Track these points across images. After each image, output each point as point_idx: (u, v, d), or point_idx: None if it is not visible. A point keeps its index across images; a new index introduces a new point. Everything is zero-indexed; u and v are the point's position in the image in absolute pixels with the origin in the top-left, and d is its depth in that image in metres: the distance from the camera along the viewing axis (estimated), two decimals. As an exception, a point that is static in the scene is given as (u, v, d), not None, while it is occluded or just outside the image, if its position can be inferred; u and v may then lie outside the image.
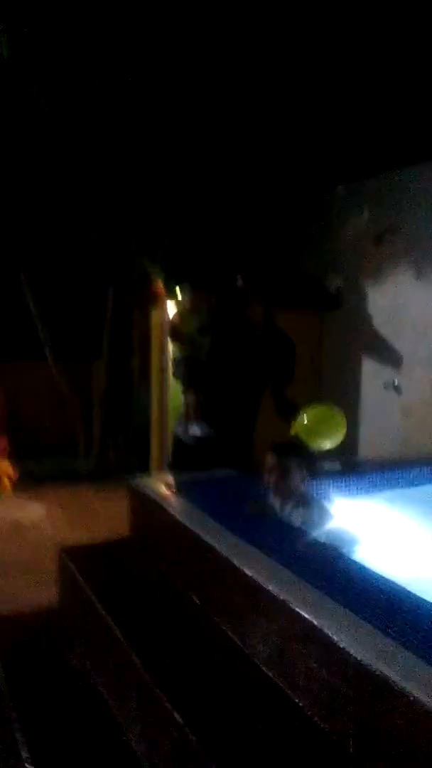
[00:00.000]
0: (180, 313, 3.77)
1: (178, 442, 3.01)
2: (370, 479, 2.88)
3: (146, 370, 5.49)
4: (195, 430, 2.84)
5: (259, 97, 3.79)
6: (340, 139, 3.86)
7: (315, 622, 1.44)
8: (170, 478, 2.63)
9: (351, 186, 4.27)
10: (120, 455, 5.28)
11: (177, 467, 2.95)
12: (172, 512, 2.28)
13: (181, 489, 2.52)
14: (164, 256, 4.38)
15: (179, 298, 4.24)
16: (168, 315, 5.13)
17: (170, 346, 5.46)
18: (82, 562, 2.37)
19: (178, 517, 2.23)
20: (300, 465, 2.31)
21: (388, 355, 3.99)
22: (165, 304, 5.10)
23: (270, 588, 1.62)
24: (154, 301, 5.16)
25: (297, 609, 1.51)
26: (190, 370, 2.89)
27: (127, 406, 5.53)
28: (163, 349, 5.47)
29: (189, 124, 3.92)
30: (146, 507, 2.46)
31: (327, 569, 1.78)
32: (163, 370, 5.48)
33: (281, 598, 1.57)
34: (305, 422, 2.64)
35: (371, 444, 4.11)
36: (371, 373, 4.11)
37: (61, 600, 2.46)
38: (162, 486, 2.51)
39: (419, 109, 3.48)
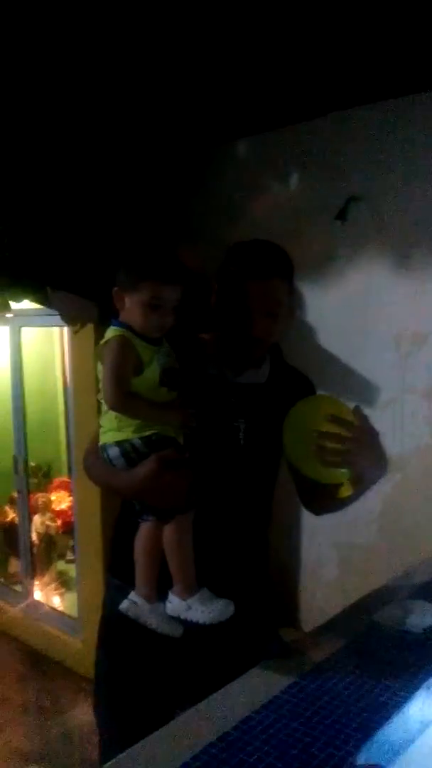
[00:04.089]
0: (119, 345, 1.18)
1: (125, 637, 1.33)
2: None
3: None
4: (195, 611, 1.19)
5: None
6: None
7: None
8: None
9: (259, 138, 2.94)
10: None
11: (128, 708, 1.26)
12: None
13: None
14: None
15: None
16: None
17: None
18: None
19: None
20: None
21: (350, 384, 2.69)
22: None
23: None
24: None
25: None
26: (160, 474, 1.17)
27: None
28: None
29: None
30: None
31: None
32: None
33: None
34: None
35: (332, 532, 2.76)
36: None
37: None
38: None
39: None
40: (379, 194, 2.57)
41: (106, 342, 1.20)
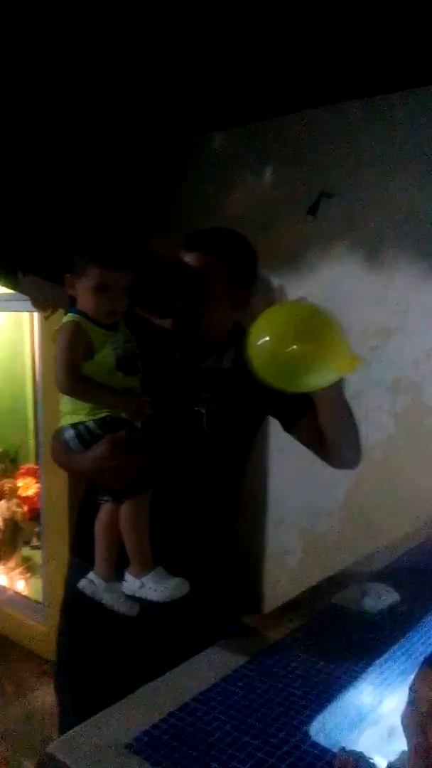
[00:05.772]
0: (69, 329, 1.21)
1: (86, 615, 1.36)
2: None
3: None
4: (148, 589, 1.21)
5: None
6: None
7: None
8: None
9: (231, 133, 2.95)
10: None
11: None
12: None
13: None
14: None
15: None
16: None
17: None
18: None
19: None
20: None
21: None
22: None
23: None
24: None
25: None
26: (113, 455, 1.20)
27: None
28: None
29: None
30: None
31: None
32: None
33: None
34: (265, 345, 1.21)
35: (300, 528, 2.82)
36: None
37: None
38: None
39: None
40: (350, 190, 2.62)
41: (59, 327, 1.23)
